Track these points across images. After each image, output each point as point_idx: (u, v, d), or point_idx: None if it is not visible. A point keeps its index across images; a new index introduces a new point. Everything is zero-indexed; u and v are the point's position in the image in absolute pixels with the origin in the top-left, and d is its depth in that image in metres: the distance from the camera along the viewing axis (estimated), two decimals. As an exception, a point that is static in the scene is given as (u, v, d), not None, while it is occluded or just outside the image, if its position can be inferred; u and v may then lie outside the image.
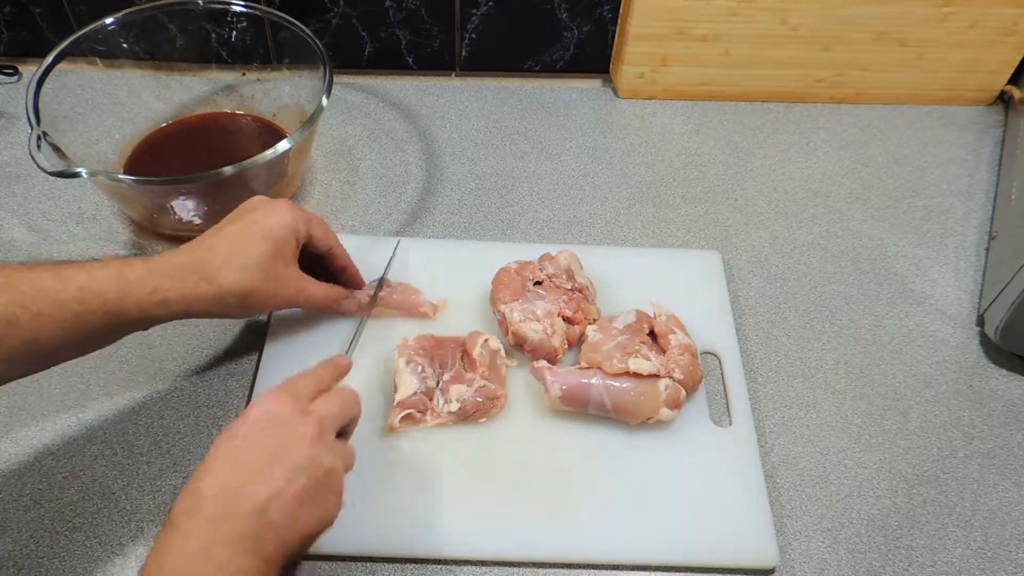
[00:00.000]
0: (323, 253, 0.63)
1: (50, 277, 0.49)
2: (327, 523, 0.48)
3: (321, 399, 0.50)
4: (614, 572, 0.57)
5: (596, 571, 0.57)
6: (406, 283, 0.70)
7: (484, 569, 0.57)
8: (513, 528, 0.57)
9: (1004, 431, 0.66)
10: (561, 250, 0.70)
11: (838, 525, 0.60)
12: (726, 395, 0.66)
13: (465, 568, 0.57)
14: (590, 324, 0.68)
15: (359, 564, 0.56)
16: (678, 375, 0.62)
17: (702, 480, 0.61)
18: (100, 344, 0.54)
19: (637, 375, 0.61)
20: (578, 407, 0.62)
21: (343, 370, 0.55)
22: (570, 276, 0.68)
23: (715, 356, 0.68)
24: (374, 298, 0.67)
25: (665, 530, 0.58)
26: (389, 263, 0.70)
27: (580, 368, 0.62)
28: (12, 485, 0.59)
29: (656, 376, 0.61)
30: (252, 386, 0.64)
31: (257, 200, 0.60)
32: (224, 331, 0.69)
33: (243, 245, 0.56)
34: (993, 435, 0.66)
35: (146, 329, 0.55)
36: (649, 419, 0.61)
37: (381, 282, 0.69)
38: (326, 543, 0.56)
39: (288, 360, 0.65)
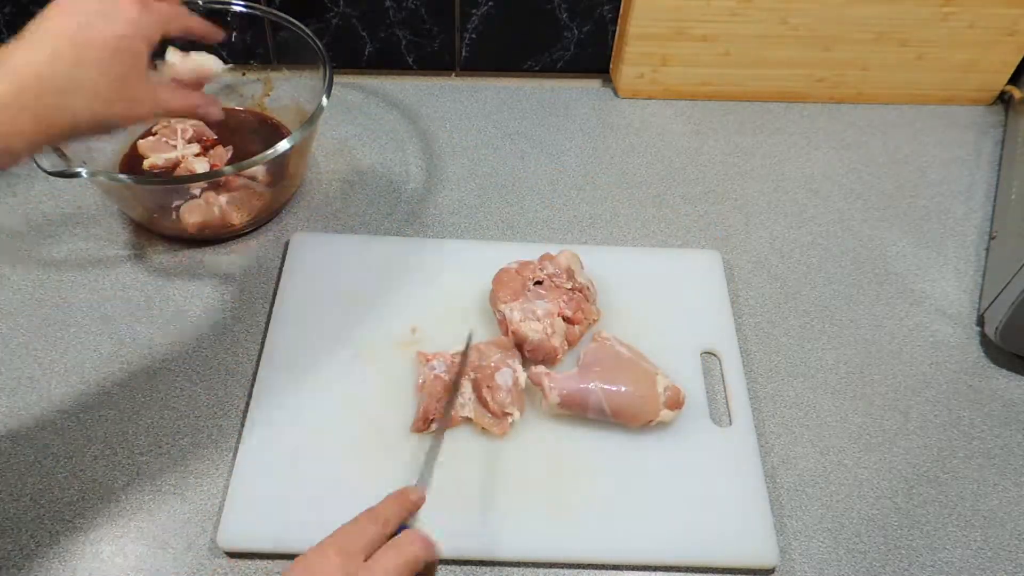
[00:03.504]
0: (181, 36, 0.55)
1: None
2: None
3: (379, 554, 0.44)
4: (614, 572, 0.57)
5: (596, 571, 0.57)
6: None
7: (484, 569, 0.57)
8: (513, 528, 0.57)
9: (1004, 431, 0.66)
10: (562, 250, 0.70)
11: (838, 525, 0.60)
12: (726, 395, 0.66)
13: (465, 568, 0.57)
14: (591, 324, 0.68)
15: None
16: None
17: (702, 480, 0.61)
18: None
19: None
20: (577, 412, 0.62)
21: (414, 506, 0.48)
22: (570, 276, 0.68)
23: (715, 356, 0.68)
24: (446, 419, 0.59)
25: (665, 530, 0.58)
26: (465, 355, 0.63)
27: (578, 374, 0.62)
28: (12, 485, 0.59)
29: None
30: (252, 386, 0.64)
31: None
32: (224, 331, 0.69)
33: (87, 67, 0.47)
34: (993, 435, 0.66)
35: None
36: (650, 422, 0.61)
37: (456, 386, 0.61)
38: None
39: (288, 360, 0.65)
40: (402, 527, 0.47)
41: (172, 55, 0.61)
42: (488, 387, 0.61)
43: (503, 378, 0.62)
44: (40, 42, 0.48)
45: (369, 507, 0.47)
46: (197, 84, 0.62)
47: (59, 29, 0.48)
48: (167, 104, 0.53)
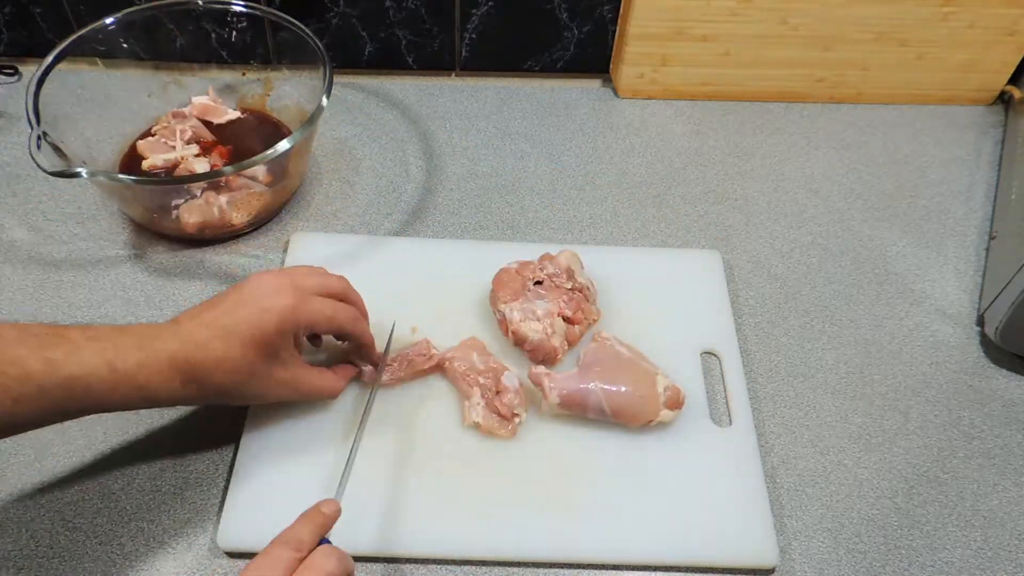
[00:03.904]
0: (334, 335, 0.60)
1: (38, 363, 0.46)
2: None
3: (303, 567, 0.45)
4: (614, 572, 0.57)
5: (596, 571, 0.57)
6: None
7: (484, 569, 0.57)
8: (513, 528, 0.57)
9: (1004, 431, 0.66)
10: (562, 250, 0.70)
11: (838, 525, 0.60)
12: (726, 395, 0.66)
13: (465, 568, 0.57)
14: (591, 324, 0.68)
15: (358, 564, 0.56)
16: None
17: (702, 480, 0.61)
18: (73, 418, 0.51)
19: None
20: (577, 412, 0.62)
21: (328, 520, 0.49)
22: (570, 276, 0.68)
23: (715, 356, 0.68)
24: (372, 397, 0.60)
25: (665, 530, 0.58)
26: (388, 345, 0.64)
27: (578, 374, 0.62)
28: (12, 485, 0.59)
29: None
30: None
31: (254, 284, 0.55)
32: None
33: (234, 346, 0.52)
34: (993, 435, 0.66)
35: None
36: (650, 422, 0.61)
37: (381, 368, 0.63)
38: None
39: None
40: (322, 541, 0.48)
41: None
42: (497, 391, 0.61)
43: (510, 380, 0.62)
44: (203, 323, 0.53)
45: (280, 532, 0.47)
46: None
47: (215, 316, 0.53)
48: (307, 386, 0.58)
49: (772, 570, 0.57)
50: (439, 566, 0.57)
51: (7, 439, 0.61)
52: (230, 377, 0.53)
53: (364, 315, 0.62)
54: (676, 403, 0.61)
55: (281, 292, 0.55)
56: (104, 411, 0.50)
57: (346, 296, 0.60)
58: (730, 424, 0.64)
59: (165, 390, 0.51)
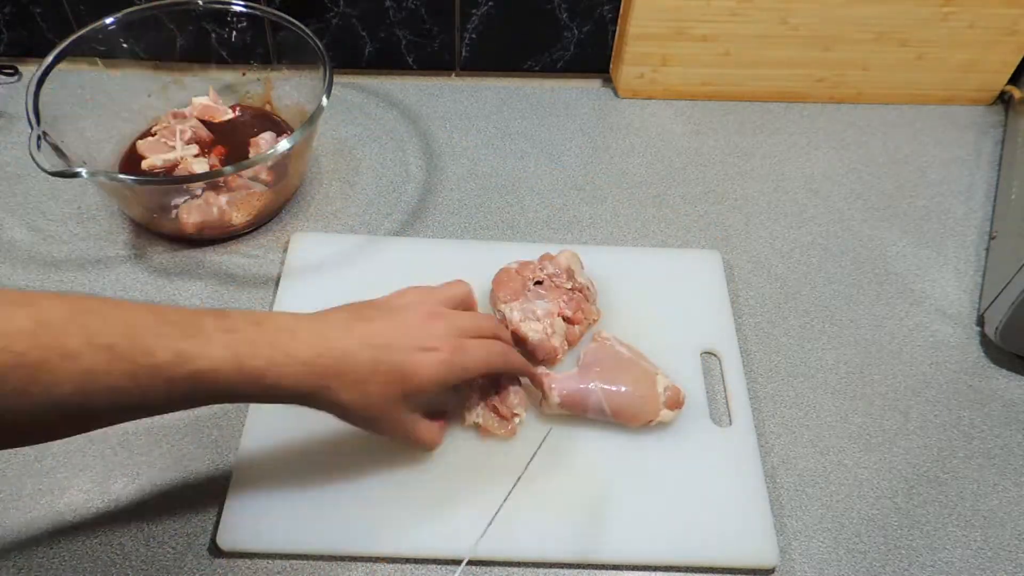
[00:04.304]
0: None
1: (169, 354, 0.44)
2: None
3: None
4: (614, 572, 0.57)
5: (596, 571, 0.57)
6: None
7: (484, 569, 0.57)
8: (513, 529, 0.57)
9: (1004, 431, 0.66)
10: (562, 250, 0.70)
11: (838, 525, 0.60)
12: (726, 395, 0.66)
13: (465, 568, 0.57)
14: (591, 324, 0.68)
15: (359, 564, 0.56)
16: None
17: (702, 479, 0.61)
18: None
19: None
20: (577, 412, 0.62)
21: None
22: (570, 276, 0.68)
23: (715, 356, 0.68)
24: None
25: (665, 530, 0.58)
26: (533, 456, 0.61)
27: (578, 374, 0.62)
28: (12, 485, 0.59)
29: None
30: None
31: (412, 313, 0.55)
32: (224, 331, 0.69)
33: (379, 379, 0.51)
34: (993, 435, 0.66)
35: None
36: (650, 422, 0.61)
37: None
38: (322, 542, 0.56)
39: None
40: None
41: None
42: (497, 392, 0.61)
43: (509, 380, 0.62)
44: (353, 336, 0.52)
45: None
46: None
47: (368, 334, 0.52)
48: (417, 435, 0.57)
49: (772, 570, 0.57)
50: (437, 566, 0.57)
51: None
52: (358, 403, 0.52)
53: (509, 342, 0.61)
54: (676, 403, 0.61)
55: (442, 338, 0.53)
56: (230, 402, 0.50)
57: (497, 335, 0.59)
58: (730, 424, 0.64)
59: (290, 393, 0.50)
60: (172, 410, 0.48)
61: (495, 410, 0.61)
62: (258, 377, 0.48)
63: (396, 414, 0.54)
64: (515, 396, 0.61)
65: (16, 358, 0.40)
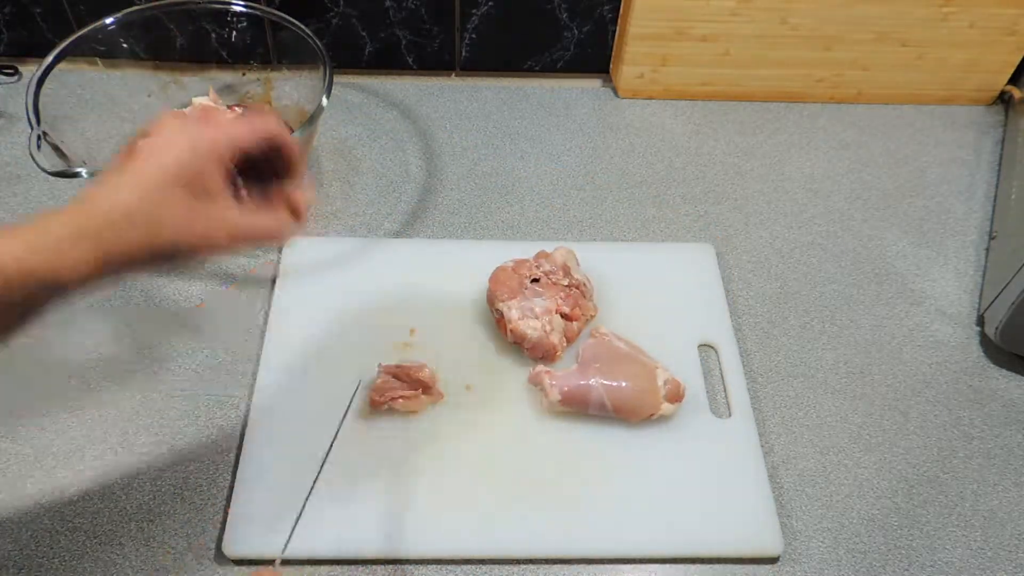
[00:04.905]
0: (269, 155, 0.51)
1: None
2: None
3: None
4: (619, 566, 0.57)
5: (599, 566, 0.57)
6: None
7: (486, 568, 0.57)
8: (517, 526, 0.57)
9: (1004, 431, 0.66)
10: (557, 247, 0.70)
11: (838, 525, 0.60)
12: (724, 386, 0.66)
13: (464, 568, 0.57)
14: (589, 320, 0.68)
15: (357, 567, 0.56)
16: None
17: (704, 471, 0.61)
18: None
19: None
20: (578, 408, 0.62)
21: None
22: (567, 273, 0.68)
23: (712, 348, 0.68)
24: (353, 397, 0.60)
25: (669, 523, 0.58)
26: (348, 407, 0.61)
27: (578, 371, 0.62)
28: (12, 485, 0.59)
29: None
30: (252, 385, 0.64)
31: (163, 123, 0.48)
32: (224, 331, 0.69)
33: (152, 195, 0.44)
34: (993, 435, 0.66)
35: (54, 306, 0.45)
36: (651, 416, 0.61)
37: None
38: (320, 546, 0.56)
39: (288, 359, 0.65)
40: None
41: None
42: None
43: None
44: (110, 180, 0.45)
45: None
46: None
47: (131, 167, 0.46)
48: (246, 228, 0.48)
49: (776, 558, 0.58)
50: (439, 566, 0.57)
51: (10, 438, 0.61)
52: (146, 224, 0.44)
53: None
54: (676, 396, 0.62)
55: (189, 123, 0.48)
56: (22, 293, 0.42)
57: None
58: (730, 415, 0.64)
59: (72, 254, 0.42)
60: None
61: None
62: (27, 238, 0.42)
63: (198, 213, 0.46)
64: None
65: None
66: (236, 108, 0.79)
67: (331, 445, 0.58)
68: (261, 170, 0.51)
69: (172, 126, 0.47)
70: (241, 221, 0.48)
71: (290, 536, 0.53)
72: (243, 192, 0.50)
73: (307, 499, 0.55)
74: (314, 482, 0.56)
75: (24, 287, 0.42)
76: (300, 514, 0.54)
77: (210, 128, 0.47)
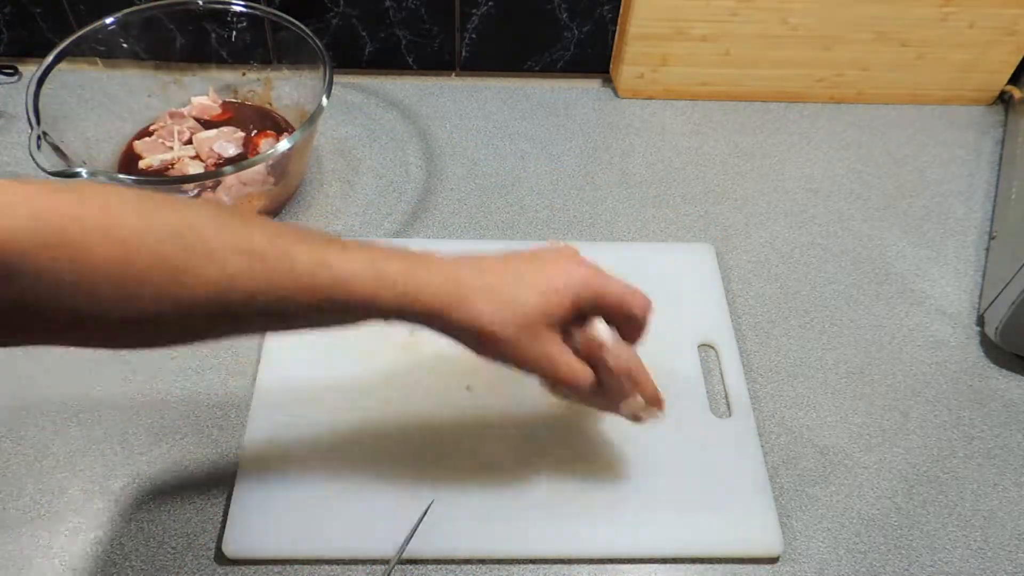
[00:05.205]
0: (618, 321, 0.54)
1: (310, 261, 0.44)
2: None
3: None
4: (617, 566, 0.57)
5: (599, 565, 0.57)
6: None
7: (486, 567, 0.57)
8: (516, 525, 0.57)
9: (1004, 431, 0.66)
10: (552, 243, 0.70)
11: (838, 525, 0.60)
12: (724, 386, 0.66)
13: (464, 568, 0.57)
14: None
15: (357, 567, 0.56)
16: None
17: (703, 470, 0.61)
18: (319, 326, 0.48)
19: None
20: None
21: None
22: (570, 276, 0.68)
23: (712, 348, 0.68)
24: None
25: (668, 522, 0.58)
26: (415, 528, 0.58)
27: None
28: (12, 485, 0.59)
29: None
30: (252, 385, 0.64)
31: (561, 248, 0.53)
32: (224, 331, 0.69)
33: (515, 287, 0.49)
34: (993, 435, 0.66)
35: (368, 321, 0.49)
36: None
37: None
38: (327, 547, 0.56)
39: (288, 358, 0.65)
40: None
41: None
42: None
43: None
44: (491, 255, 0.51)
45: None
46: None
47: (517, 255, 0.51)
48: (558, 363, 0.51)
49: (776, 558, 0.58)
50: (438, 565, 0.57)
51: (10, 438, 0.61)
52: (498, 316, 0.48)
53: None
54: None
55: (576, 261, 0.52)
56: (363, 318, 0.47)
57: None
58: (730, 415, 0.64)
59: (425, 304, 0.47)
60: (308, 322, 0.47)
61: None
62: (393, 282, 0.46)
63: (537, 333, 0.49)
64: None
65: (160, 260, 0.40)
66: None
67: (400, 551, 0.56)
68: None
69: (559, 254, 0.53)
70: (561, 359, 0.51)
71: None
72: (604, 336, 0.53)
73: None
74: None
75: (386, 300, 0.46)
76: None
77: (595, 276, 0.52)
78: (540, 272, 0.50)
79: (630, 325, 0.54)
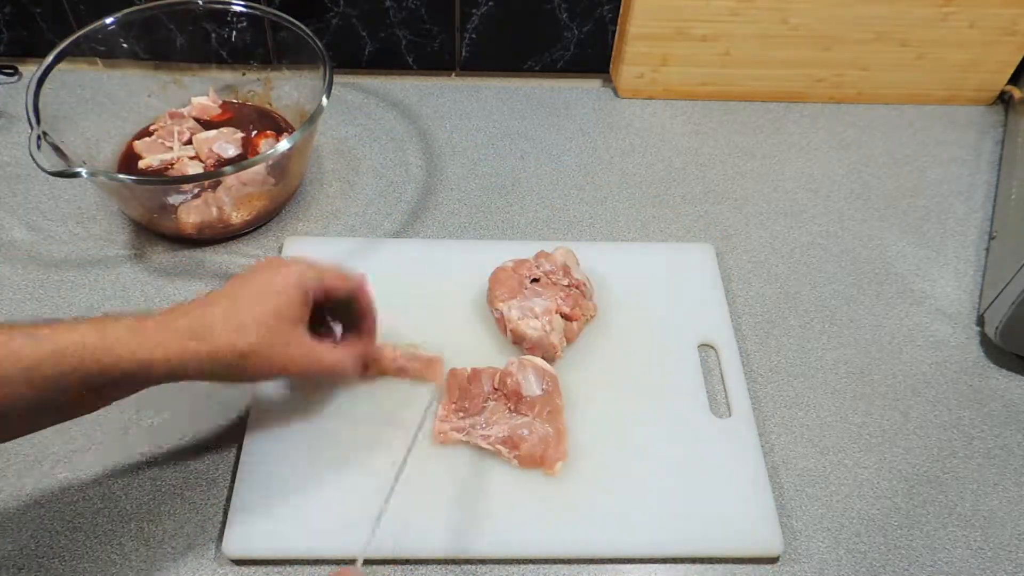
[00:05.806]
0: (345, 302, 0.59)
1: (23, 337, 0.44)
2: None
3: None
4: (617, 566, 0.57)
5: (600, 565, 0.57)
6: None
7: (486, 567, 0.57)
8: (516, 525, 0.57)
9: (1004, 431, 0.66)
10: (557, 247, 0.70)
11: (838, 525, 0.60)
12: (724, 386, 0.66)
13: (465, 567, 0.57)
14: (588, 320, 0.68)
15: (362, 566, 0.56)
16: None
17: (704, 470, 0.61)
18: (83, 409, 0.50)
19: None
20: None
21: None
22: (566, 273, 0.68)
23: (712, 348, 0.68)
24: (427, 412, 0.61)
25: (668, 522, 0.58)
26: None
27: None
28: (12, 485, 0.59)
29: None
30: (252, 386, 0.64)
31: (266, 260, 0.56)
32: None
33: (243, 303, 0.52)
34: (993, 435, 0.66)
35: (134, 392, 0.51)
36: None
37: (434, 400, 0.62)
38: (328, 547, 0.56)
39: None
40: None
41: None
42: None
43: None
44: (209, 300, 0.53)
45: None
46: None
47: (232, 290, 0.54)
48: (320, 355, 0.55)
49: (776, 558, 0.58)
50: (438, 565, 0.57)
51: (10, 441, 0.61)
52: (239, 333, 0.50)
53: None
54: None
55: (287, 261, 0.56)
56: (108, 389, 0.48)
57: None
58: (730, 415, 0.64)
59: (163, 351, 0.48)
60: (43, 408, 0.47)
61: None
62: (120, 340, 0.47)
63: (287, 338, 0.53)
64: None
65: None
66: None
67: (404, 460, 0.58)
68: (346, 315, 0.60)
69: (275, 264, 0.55)
70: (317, 354, 0.55)
71: (371, 536, 0.53)
72: (337, 331, 0.61)
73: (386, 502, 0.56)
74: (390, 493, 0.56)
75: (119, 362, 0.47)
76: (380, 515, 0.55)
77: (310, 268, 0.55)
78: (265, 283, 0.53)
79: (359, 304, 0.59)
